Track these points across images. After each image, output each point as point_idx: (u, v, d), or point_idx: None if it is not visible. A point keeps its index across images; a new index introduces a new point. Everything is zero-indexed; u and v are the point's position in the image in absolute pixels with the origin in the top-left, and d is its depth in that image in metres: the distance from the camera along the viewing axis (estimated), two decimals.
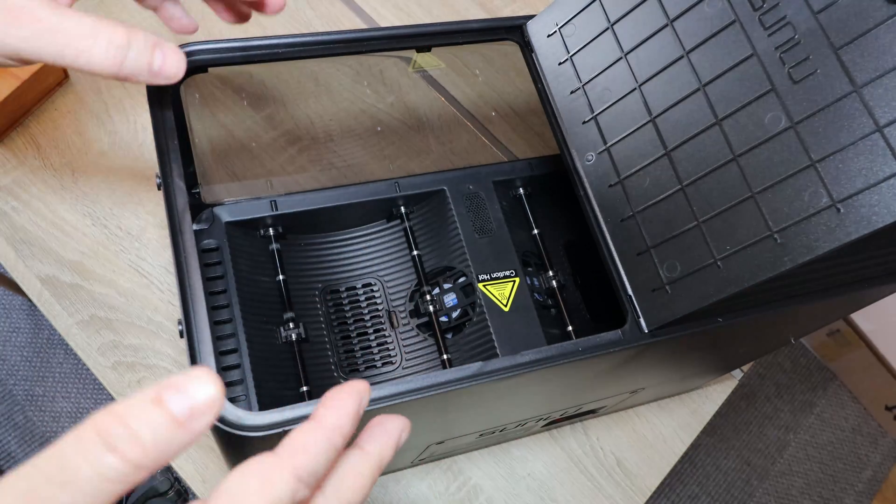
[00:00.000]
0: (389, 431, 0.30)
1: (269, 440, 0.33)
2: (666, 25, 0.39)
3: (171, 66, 0.33)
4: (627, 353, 0.39)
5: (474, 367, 0.36)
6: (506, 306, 0.49)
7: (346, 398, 0.28)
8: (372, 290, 0.52)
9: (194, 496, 0.55)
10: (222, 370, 0.42)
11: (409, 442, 0.48)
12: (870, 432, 1.52)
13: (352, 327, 0.51)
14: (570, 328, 0.51)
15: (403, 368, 0.50)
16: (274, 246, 0.50)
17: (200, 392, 0.22)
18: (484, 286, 0.49)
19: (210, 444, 0.56)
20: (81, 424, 0.22)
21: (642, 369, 0.47)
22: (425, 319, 0.51)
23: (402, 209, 0.53)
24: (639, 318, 0.39)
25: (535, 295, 0.51)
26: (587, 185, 0.42)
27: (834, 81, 0.32)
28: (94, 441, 0.21)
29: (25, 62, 0.33)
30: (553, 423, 0.59)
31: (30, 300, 0.60)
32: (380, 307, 0.52)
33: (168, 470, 1.10)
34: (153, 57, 0.32)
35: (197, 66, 0.42)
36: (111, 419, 0.21)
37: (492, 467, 0.60)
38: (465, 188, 0.53)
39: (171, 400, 0.22)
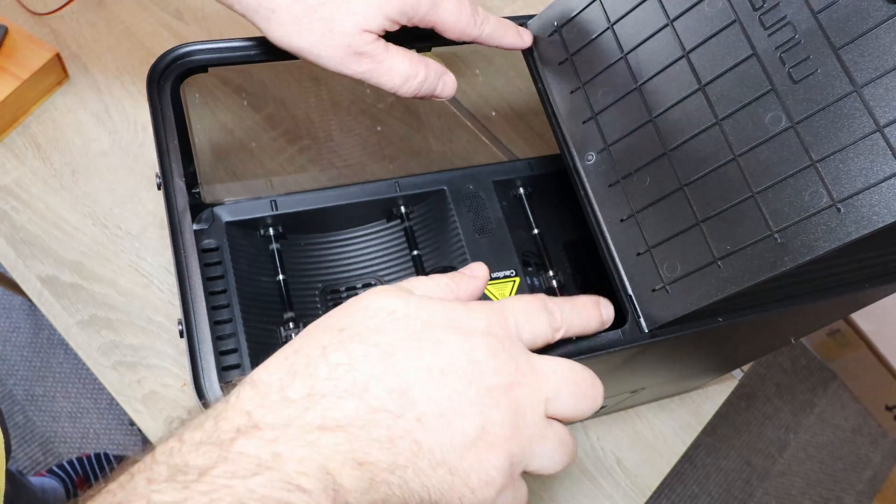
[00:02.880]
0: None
1: None
2: (666, 25, 0.39)
3: (448, 92, 0.45)
4: (627, 353, 0.39)
5: None
6: None
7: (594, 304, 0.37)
8: None
9: None
10: (222, 370, 0.42)
11: None
12: (870, 432, 1.52)
13: None
14: None
15: None
16: (274, 246, 0.50)
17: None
18: None
19: None
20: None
21: (642, 369, 0.47)
22: None
23: (402, 209, 0.53)
24: (639, 318, 0.39)
25: None
26: (587, 185, 0.42)
27: (834, 81, 0.32)
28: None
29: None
30: None
31: (30, 300, 0.60)
32: None
33: None
34: (437, 85, 0.44)
35: (197, 66, 0.42)
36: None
37: None
38: (465, 188, 0.53)
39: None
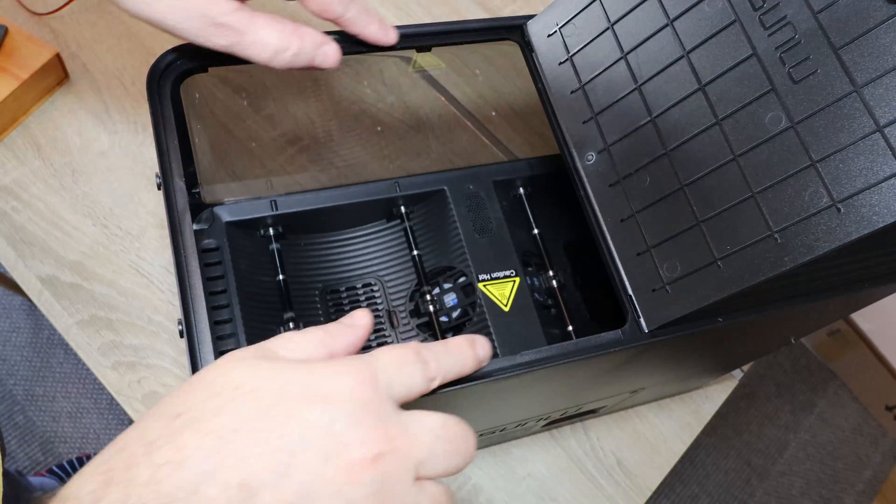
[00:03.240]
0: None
1: None
2: (666, 25, 0.39)
3: (330, 62, 0.42)
4: (627, 353, 0.39)
5: None
6: (506, 306, 0.49)
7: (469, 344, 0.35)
8: (372, 290, 0.52)
9: None
10: None
11: None
12: (870, 432, 1.52)
13: None
14: (570, 328, 0.51)
15: None
16: (274, 246, 0.50)
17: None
18: (484, 286, 0.49)
19: None
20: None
21: (642, 369, 0.47)
22: (425, 319, 0.51)
23: (403, 209, 0.53)
24: (639, 318, 0.39)
25: (535, 295, 0.51)
26: (587, 185, 0.42)
27: (834, 81, 0.32)
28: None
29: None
30: (553, 423, 0.59)
31: (30, 300, 0.60)
32: (380, 307, 0.52)
33: None
34: (314, 56, 0.41)
35: (197, 66, 0.42)
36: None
37: (492, 467, 0.60)
38: (465, 188, 0.53)
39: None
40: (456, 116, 0.69)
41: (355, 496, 0.27)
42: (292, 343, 0.31)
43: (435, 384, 0.32)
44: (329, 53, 0.41)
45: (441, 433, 0.30)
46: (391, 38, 0.44)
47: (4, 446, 0.48)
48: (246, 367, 0.29)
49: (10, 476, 0.83)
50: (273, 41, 0.39)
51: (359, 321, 0.34)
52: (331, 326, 0.33)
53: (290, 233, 0.51)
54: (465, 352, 0.34)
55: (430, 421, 0.30)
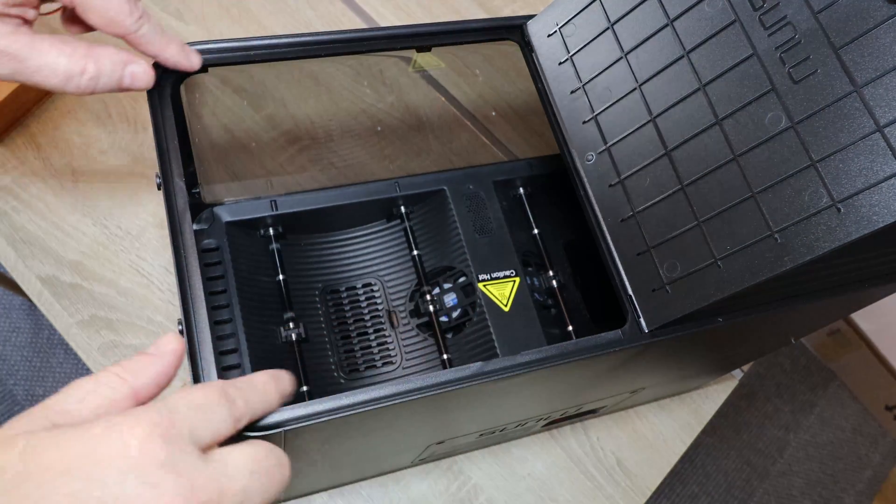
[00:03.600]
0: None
1: (269, 440, 0.33)
2: (666, 25, 0.39)
3: (141, 83, 0.39)
4: (627, 353, 0.39)
5: (474, 367, 0.36)
6: (506, 306, 0.49)
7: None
8: (372, 290, 0.52)
9: None
10: (222, 370, 0.42)
11: (410, 442, 0.48)
12: (870, 432, 1.52)
13: (352, 327, 0.51)
14: (570, 328, 0.51)
15: (403, 368, 0.50)
16: (274, 246, 0.50)
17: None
18: (484, 286, 0.49)
19: None
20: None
21: (642, 369, 0.47)
22: (425, 319, 0.51)
23: (402, 209, 0.53)
24: (639, 318, 0.39)
25: (535, 295, 0.51)
26: (587, 185, 0.42)
27: (834, 81, 0.32)
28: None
29: None
30: (553, 423, 0.59)
31: (30, 300, 0.60)
32: (380, 307, 0.52)
33: None
34: (121, 78, 0.38)
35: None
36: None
37: (492, 467, 0.60)
38: (465, 188, 0.53)
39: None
40: (456, 116, 0.69)
41: None
42: (81, 391, 0.27)
43: (243, 424, 0.30)
44: (138, 73, 0.38)
45: (254, 468, 0.28)
46: (194, 62, 0.40)
47: None
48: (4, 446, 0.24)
49: None
50: (62, 66, 0.36)
51: (165, 348, 0.30)
52: (130, 360, 0.30)
53: (290, 233, 0.51)
54: (269, 387, 0.32)
55: (241, 459, 0.28)
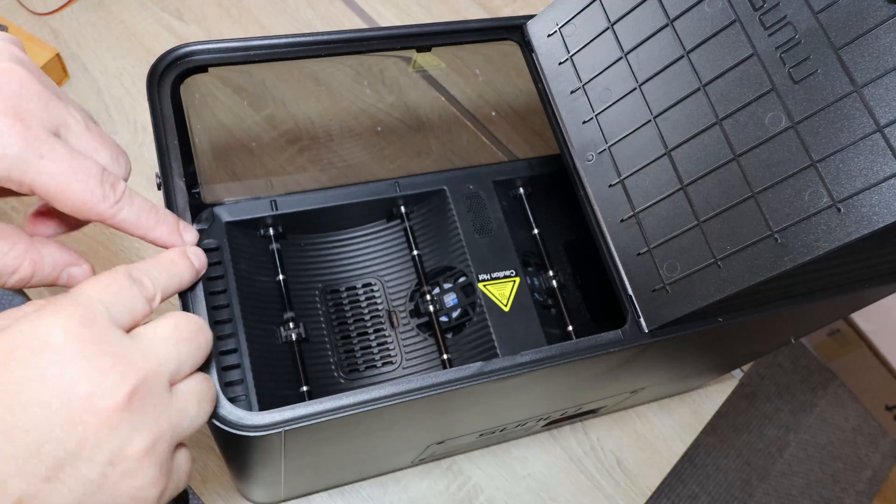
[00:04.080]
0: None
1: (269, 440, 0.33)
2: (666, 25, 0.39)
3: (77, 282, 0.35)
4: (627, 353, 0.39)
5: (474, 367, 0.36)
6: (506, 306, 0.49)
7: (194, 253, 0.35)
8: (372, 290, 0.52)
9: (194, 495, 0.55)
10: (222, 370, 0.42)
11: (410, 442, 0.48)
12: (870, 432, 1.52)
13: (352, 327, 0.51)
14: (570, 328, 0.51)
15: (403, 368, 0.50)
16: (274, 246, 0.50)
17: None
18: (484, 286, 0.49)
19: (210, 444, 0.56)
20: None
21: (642, 369, 0.47)
22: (425, 319, 0.51)
23: (402, 209, 0.53)
24: (639, 318, 0.39)
25: (535, 295, 0.51)
26: (587, 185, 0.42)
27: (834, 81, 0.32)
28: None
29: None
30: (553, 423, 0.59)
31: (30, 300, 0.60)
32: (380, 307, 0.52)
33: None
34: (59, 277, 0.35)
35: (197, 66, 0.42)
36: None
37: (492, 467, 0.60)
38: (465, 188, 0.53)
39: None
40: (456, 116, 0.69)
41: (123, 443, 0.26)
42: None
43: (157, 303, 0.31)
44: (76, 276, 0.35)
45: (178, 335, 0.30)
46: (189, 239, 0.37)
47: None
48: None
49: None
50: None
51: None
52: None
53: (290, 233, 0.51)
54: (180, 262, 0.33)
55: (163, 329, 0.29)
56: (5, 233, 0.32)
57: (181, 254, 0.34)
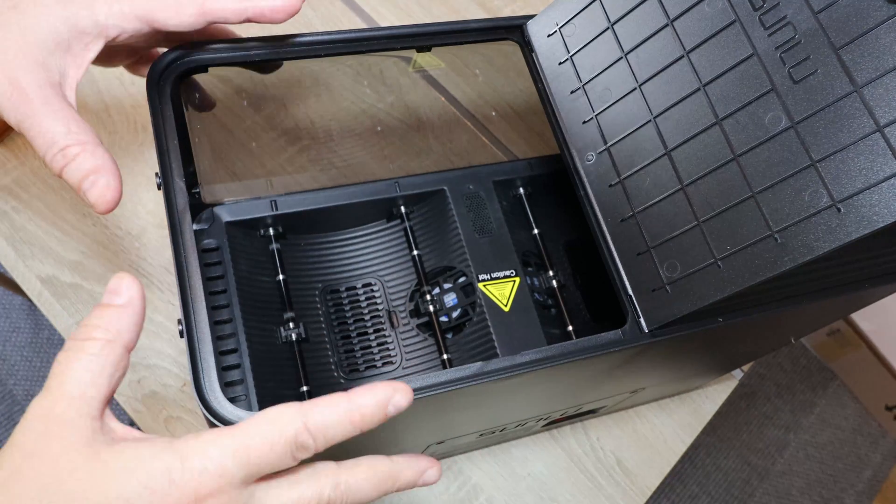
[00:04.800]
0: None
1: None
2: (666, 25, 0.39)
3: (92, 195, 0.36)
4: (627, 353, 0.39)
5: (474, 367, 0.36)
6: (506, 306, 0.49)
7: (382, 387, 0.31)
8: (372, 290, 0.52)
9: None
10: (222, 370, 0.42)
11: (410, 442, 0.48)
12: (870, 432, 1.52)
13: (352, 327, 0.51)
14: (570, 328, 0.51)
15: (403, 368, 0.50)
16: (274, 246, 0.50)
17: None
18: (484, 286, 0.49)
19: None
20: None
21: (642, 369, 0.47)
22: (425, 319, 0.51)
23: (402, 209, 0.53)
24: (639, 318, 0.39)
25: (535, 295, 0.51)
26: (587, 185, 0.42)
27: (834, 81, 0.32)
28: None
29: None
30: (553, 423, 0.59)
31: (30, 300, 0.60)
32: (380, 307, 0.52)
33: None
34: (84, 180, 0.36)
35: (197, 66, 0.42)
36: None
37: (492, 467, 0.60)
38: (465, 188, 0.53)
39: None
40: (456, 116, 0.69)
41: None
42: (81, 372, 0.28)
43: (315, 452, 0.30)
44: (99, 184, 0.36)
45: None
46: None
47: None
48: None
49: None
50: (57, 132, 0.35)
51: (128, 293, 0.31)
52: (103, 316, 0.30)
53: (290, 233, 0.51)
54: (374, 416, 0.31)
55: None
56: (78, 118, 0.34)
57: (382, 406, 0.31)
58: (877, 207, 0.31)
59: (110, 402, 0.29)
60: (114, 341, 0.29)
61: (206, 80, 0.46)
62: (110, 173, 0.36)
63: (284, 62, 0.45)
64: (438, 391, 0.35)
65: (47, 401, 0.27)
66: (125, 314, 0.30)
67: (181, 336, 0.36)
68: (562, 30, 0.44)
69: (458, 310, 0.51)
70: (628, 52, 0.40)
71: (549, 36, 0.45)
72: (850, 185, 0.31)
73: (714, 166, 0.36)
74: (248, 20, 0.39)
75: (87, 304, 0.59)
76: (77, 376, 0.27)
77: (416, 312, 0.52)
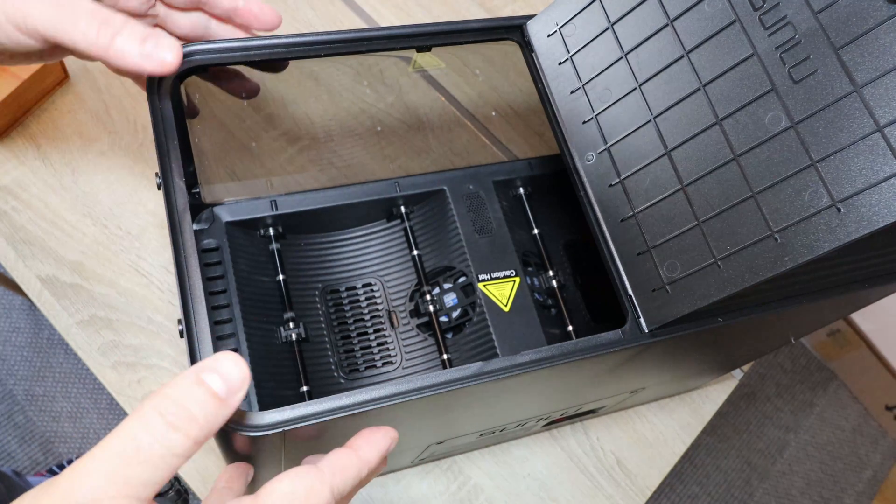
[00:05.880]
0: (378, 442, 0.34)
1: (269, 440, 0.33)
2: (666, 25, 0.39)
3: (153, 60, 0.35)
4: (627, 353, 0.39)
5: (474, 367, 0.36)
6: (506, 306, 0.49)
7: (382, 438, 0.34)
8: (372, 290, 0.52)
9: (194, 496, 0.55)
10: None
11: (410, 442, 0.48)
12: (870, 432, 1.52)
13: (352, 327, 0.51)
14: (570, 328, 0.51)
15: (403, 368, 0.50)
16: (274, 246, 0.50)
17: (232, 372, 0.27)
18: (484, 286, 0.49)
19: (210, 445, 0.56)
20: (141, 407, 0.26)
21: (642, 369, 0.47)
22: (425, 319, 0.51)
23: (402, 209, 0.53)
24: (639, 318, 0.39)
25: (535, 295, 0.51)
26: (587, 185, 0.42)
27: (834, 81, 0.32)
28: (159, 422, 0.25)
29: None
30: (553, 423, 0.59)
31: (30, 300, 0.60)
32: (380, 307, 0.52)
33: None
34: (143, 48, 0.34)
35: (197, 66, 0.42)
36: (168, 402, 0.25)
37: (492, 467, 0.60)
38: (465, 188, 0.53)
39: (210, 380, 0.26)
40: (456, 116, 0.69)
41: None
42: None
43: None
44: (163, 45, 0.35)
45: None
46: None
47: None
48: None
49: (5, 476, 0.83)
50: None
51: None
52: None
53: (290, 233, 0.51)
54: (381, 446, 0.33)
55: None
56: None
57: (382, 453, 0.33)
58: (877, 207, 0.31)
59: None
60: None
61: (206, 81, 0.46)
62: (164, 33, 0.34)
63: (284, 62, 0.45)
64: (438, 391, 0.35)
65: None
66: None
67: (181, 336, 0.36)
68: (562, 30, 0.44)
69: (458, 310, 0.51)
70: (628, 52, 0.40)
71: (549, 36, 0.45)
72: (850, 185, 0.31)
73: (714, 166, 0.36)
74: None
75: (87, 303, 0.59)
76: None
77: (416, 312, 0.52)
